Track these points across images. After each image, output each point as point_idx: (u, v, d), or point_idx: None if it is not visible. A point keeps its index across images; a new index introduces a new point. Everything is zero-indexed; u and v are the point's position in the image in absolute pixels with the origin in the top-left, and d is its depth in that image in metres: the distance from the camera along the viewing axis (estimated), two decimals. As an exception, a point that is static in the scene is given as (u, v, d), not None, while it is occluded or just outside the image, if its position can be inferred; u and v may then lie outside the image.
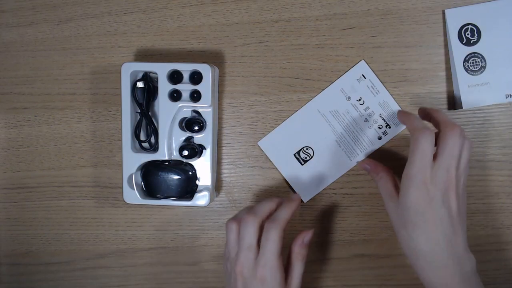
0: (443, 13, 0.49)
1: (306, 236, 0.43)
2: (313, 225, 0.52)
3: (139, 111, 0.49)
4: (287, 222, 0.42)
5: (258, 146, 0.51)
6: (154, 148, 0.50)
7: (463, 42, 0.49)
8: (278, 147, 0.51)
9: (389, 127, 0.50)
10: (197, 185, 0.50)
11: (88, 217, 0.54)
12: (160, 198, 0.50)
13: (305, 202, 0.51)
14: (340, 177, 0.51)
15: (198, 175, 0.50)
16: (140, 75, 0.49)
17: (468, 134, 0.50)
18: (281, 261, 0.41)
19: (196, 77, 0.48)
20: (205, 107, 0.48)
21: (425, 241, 0.39)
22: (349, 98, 0.50)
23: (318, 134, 0.50)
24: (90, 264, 0.54)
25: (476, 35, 0.49)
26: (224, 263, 0.44)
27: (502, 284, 0.50)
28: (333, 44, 0.50)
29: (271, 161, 0.51)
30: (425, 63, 0.50)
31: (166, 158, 0.49)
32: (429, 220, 0.38)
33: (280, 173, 0.51)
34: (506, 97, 0.48)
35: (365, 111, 0.50)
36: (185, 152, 0.48)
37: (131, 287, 0.54)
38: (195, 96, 0.48)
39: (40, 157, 0.54)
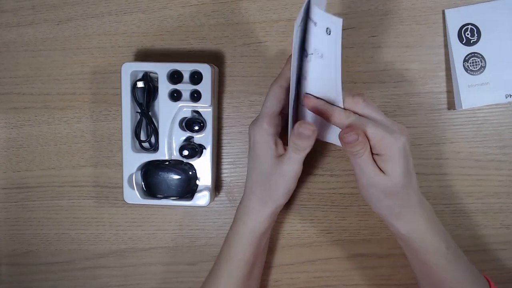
0: (443, 13, 0.49)
1: (301, 126, 0.38)
2: (313, 225, 0.52)
3: (139, 111, 0.49)
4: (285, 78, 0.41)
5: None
6: (154, 148, 0.50)
7: (463, 42, 0.49)
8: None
9: None
10: (197, 185, 0.50)
11: (88, 217, 0.54)
12: (160, 198, 0.50)
13: None
14: (340, 176, 0.51)
15: (198, 175, 0.50)
16: (140, 75, 0.49)
17: (468, 134, 0.50)
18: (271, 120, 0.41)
19: (196, 77, 0.48)
20: (205, 107, 0.48)
21: (414, 191, 0.40)
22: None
23: None
24: (90, 264, 0.54)
25: (476, 35, 0.49)
26: None
27: (502, 284, 0.50)
28: (333, 44, 0.50)
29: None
30: (425, 63, 0.50)
31: (166, 158, 0.49)
32: (413, 187, 0.40)
33: None
34: (506, 97, 0.49)
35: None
36: (185, 152, 0.48)
37: (131, 287, 0.54)
38: (195, 96, 0.48)
39: (40, 157, 0.54)
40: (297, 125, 0.38)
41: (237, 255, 0.44)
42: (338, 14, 0.50)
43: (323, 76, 0.38)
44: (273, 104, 0.42)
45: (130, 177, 0.49)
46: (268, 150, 0.41)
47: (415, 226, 0.40)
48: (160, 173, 0.49)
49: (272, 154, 0.41)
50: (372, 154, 0.38)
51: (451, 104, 0.50)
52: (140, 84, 0.48)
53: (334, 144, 0.51)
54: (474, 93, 0.49)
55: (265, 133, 0.41)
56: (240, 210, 0.44)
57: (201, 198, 0.49)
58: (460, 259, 0.41)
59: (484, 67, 0.49)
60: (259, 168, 0.42)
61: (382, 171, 0.38)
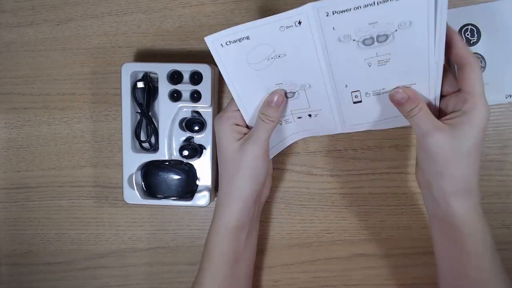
0: (443, 13, 0.49)
1: (272, 97, 0.41)
2: (313, 225, 0.52)
3: (139, 111, 0.49)
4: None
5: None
6: (154, 148, 0.50)
7: (463, 42, 0.49)
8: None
9: None
10: (197, 185, 0.50)
11: (88, 217, 0.54)
12: (160, 198, 0.50)
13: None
14: (340, 176, 0.51)
15: (198, 175, 0.50)
16: (140, 75, 0.49)
17: (468, 134, 0.50)
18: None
19: (196, 77, 0.48)
20: (205, 107, 0.48)
21: (477, 169, 0.38)
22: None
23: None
24: (90, 264, 0.54)
25: (476, 35, 0.49)
26: None
27: (502, 284, 0.50)
28: (333, 44, 0.50)
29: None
30: (425, 63, 0.50)
31: (166, 158, 0.49)
32: (478, 152, 0.38)
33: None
34: (506, 97, 0.49)
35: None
36: (185, 152, 0.48)
37: (131, 287, 0.54)
38: (195, 96, 0.48)
39: (40, 157, 0.54)
40: (269, 95, 0.41)
41: (216, 253, 0.44)
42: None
43: (413, 49, 0.37)
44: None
45: (130, 177, 0.49)
46: (230, 138, 0.42)
47: (470, 210, 0.38)
48: (160, 173, 0.49)
49: (233, 138, 0.41)
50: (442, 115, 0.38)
51: (451, 104, 0.50)
52: (140, 85, 0.48)
53: (334, 144, 0.51)
54: (474, 93, 0.48)
55: (226, 122, 0.42)
56: (215, 207, 0.45)
57: (201, 198, 0.49)
58: (498, 253, 0.40)
59: (484, 67, 0.49)
60: (223, 159, 0.43)
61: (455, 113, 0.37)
